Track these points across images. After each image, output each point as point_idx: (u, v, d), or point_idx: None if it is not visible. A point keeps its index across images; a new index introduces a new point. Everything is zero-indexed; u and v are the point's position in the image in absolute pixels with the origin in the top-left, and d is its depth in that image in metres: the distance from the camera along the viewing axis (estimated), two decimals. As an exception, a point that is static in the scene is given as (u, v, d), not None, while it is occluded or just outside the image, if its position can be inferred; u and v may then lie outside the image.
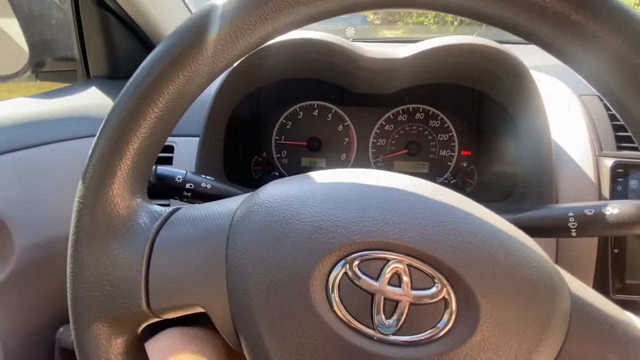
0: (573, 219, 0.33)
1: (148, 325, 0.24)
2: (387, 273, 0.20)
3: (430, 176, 0.59)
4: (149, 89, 0.22)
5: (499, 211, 0.40)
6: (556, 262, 0.45)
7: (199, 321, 0.47)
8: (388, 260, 0.20)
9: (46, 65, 0.70)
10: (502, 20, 0.21)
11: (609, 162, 0.43)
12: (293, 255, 0.21)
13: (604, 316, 0.21)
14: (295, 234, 0.21)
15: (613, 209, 0.32)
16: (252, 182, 0.60)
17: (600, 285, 0.44)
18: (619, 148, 0.45)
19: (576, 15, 0.19)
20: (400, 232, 0.20)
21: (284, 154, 0.61)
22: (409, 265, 0.20)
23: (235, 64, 0.46)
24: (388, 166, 0.60)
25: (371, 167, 0.60)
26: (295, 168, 0.61)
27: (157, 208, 0.25)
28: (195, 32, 0.22)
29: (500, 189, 0.53)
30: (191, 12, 0.68)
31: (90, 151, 0.23)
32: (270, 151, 0.61)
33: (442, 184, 0.59)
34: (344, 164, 0.61)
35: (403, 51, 0.46)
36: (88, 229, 0.22)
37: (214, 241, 0.23)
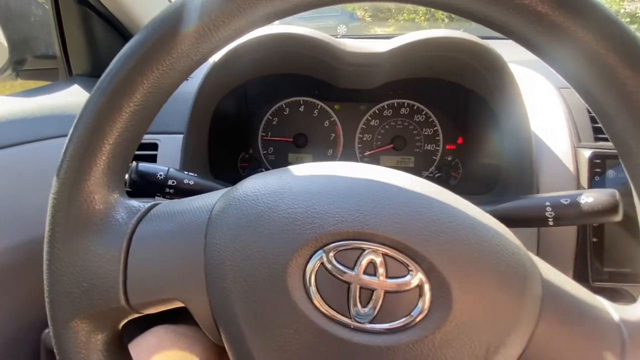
0: (550, 209, 0.34)
1: (135, 324, 0.24)
2: (363, 262, 0.20)
3: (416, 170, 0.60)
4: (123, 83, 0.22)
5: (481, 203, 0.41)
6: (537, 251, 0.46)
7: (187, 319, 0.47)
8: (363, 250, 0.21)
9: (27, 64, 0.68)
10: (475, 14, 0.21)
11: (586, 153, 0.45)
12: (269, 247, 0.21)
13: (575, 301, 0.22)
14: (272, 227, 0.21)
15: (588, 198, 0.33)
16: (238, 179, 0.59)
17: (580, 274, 0.45)
18: (597, 139, 0.46)
19: (551, 12, 0.19)
20: (375, 222, 0.21)
21: (270, 150, 0.61)
22: (384, 255, 0.20)
23: (216, 59, 0.46)
24: (374, 161, 0.60)
25: (357, 162, 0.61)
26: (282, 164, 0.61)
27: (135, 203, 0.25)
28: (168, 25, 0.21)
29: (484, 181, 0.53)
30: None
31: (65, 146, 0.23)
32: (256, 148, 0.61)
33: (428, 177, 0.59)
34: (331, 160, 0.61)
35: (384, 45, 0.47)
36: (63, 225, 0.22)
37: (192, 235, 0.23)
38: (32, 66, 0.66)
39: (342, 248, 0.21)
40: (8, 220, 0.46)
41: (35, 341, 0.53)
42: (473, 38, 0.44)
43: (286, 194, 0.22)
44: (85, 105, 0.23)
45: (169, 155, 0.50)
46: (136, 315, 0.23)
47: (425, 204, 0.22)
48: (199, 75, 0.48)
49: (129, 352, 0.26)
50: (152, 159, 0.50)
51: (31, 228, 0.47)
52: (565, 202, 0.33)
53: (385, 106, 0.59)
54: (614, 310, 0.22)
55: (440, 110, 0.58)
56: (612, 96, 0.20)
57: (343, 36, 0.77)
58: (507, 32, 0.21)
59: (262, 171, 0.60)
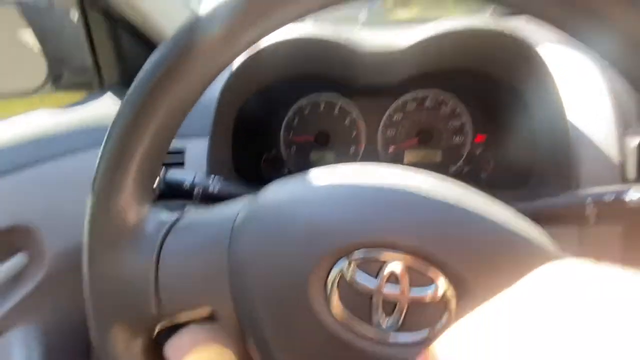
0: (592, 206, 0.31)
1: (171, 327, 0.25)
2: (385, 272, 0.20)
3: (443, 165, 0.57)
4: (147, 100, 0.23)
5: (515, 199, 0.39)
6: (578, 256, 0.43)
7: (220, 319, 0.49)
8: (386, 260, 0.20)
9: (64, 78, 0.73)
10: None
11: (633, 142, 0.40)
12: (291, 259, 0.21)
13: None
14: (293, 237, 0.21)
15: (635, 194, 0.30)
16: (262, 179, 0.60)
17: None
18: None
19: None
20: (397, 230, 0.20)
21: (292, 150, 0.61)
22: (407, 264, 0.20)
23: (237, 64, 0.47)
24: (399, 157, 0.59)
25: (381, 159, 0.59)
26: (305, 163, 0.61)
27: (163, 216, 0.26)
28: (186, 40, 0.22)
29: (518, 175, 0.50)
30: None
31: (97, 163, 0.24)
32: (279, 148, 0.61)
33: (456, 172, 0.57)
34: (353, 157, 0.60)
35: (404, 39, 0.45)
36: (99, 239, 0.24)
37: (216, 247, 0.23)
38: (69, 80, 0.71)
39: (364, 257, 0.20)
40: (55, 229, 0.49)
41: (88, 337, 0.58)
42: (498, 26, 0.41)
43: (305, 203, 0.22)
44: (114, 123, 0.24)
45: (196, 159, 0.51)
46: (169, 322, 0.24)
47: (450, 210, 0.21)
48: (220, 80, 0.49)
49: (164, 356, 0.27)
50: (180, 164, 0.52)
51: (77, 235, 0.50)
52: (609, 199, 0.31)
53: (409, 99, 0.57)
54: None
55: (467, 101, 0.55)
56: None
57: (363, 25, 0.75)
58: (546, 19, 0.20)
59: (285, 171, 0.61)
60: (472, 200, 0.21)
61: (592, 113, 0.45)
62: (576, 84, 0.46)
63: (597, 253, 0.43)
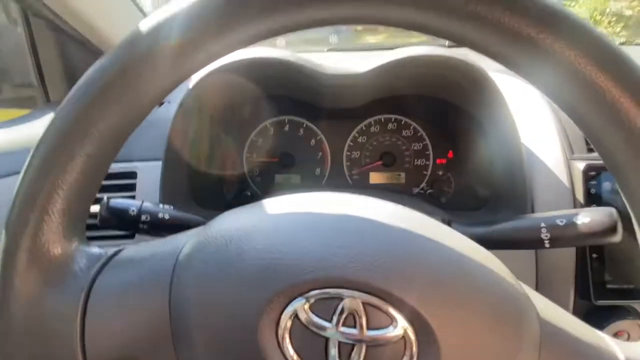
0: (545, 230, 0.32)
1: None
2: (341, 313, 0.18)
3: (407, 186, 0.58)
4: (76, 122, 0.20)
5: (474, 224, 0.39)
6: (536, 270, 0.44)
7: None
8: (341, 299, 0.19)
9: (3, 93, 0.67)
10: (453, 36, 0.20)
11: (580, 166, 0.43)
12: (239, 299, 0.19)
13: (576, 340, 0.20)
14: (241, 276, 0.19)
15: (585, 218, 0.31)
16: (225, 203, 0.57)
17: (582, 292, 0.43)
18: (590, 150, 0.45)
19: (530, 31, 0.18)
20: (351, 267, 0.19)
21: (256, 171, 0.59)
22: (364, 303, 0.19)
23: (192, 84, 0.45)
24: (364, 179, 0.59)
25: (346, 181, 0.59)
26: (269, 185, 0.59)
27: (96, 251, 0.23)
28: (126, 55, 0.20)
29: (477, 196, 0.52)
30: None
31: (15, 192, 0.21)
32: (242, 169, 0.59)
33: (419, 194, 0.58)
34: (319, 179, 0.59)
35: (364, 65, 0.45)
36: (16, 282, 0.20)
37: (156, 286, 0.21)
38: (10, 95, 0.65)
39: (317, 297, 0.19)
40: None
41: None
42: (453, 53, 0.43)
43: (255, 237, 0.20)
44: (37, 146, 0.21)
45: (148, 184, 0.48)
46: None
47: (407, 243, 0.20)
48: (175, 99, 0.46)
49: None
50: (131, 188, 0.48)
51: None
52: (561, 223, 0.32)
53: (372, 122, 0.58)
54: (618, 349, 0.20)
55: (428, 125, 0.57)
56: (599, 115, 0.19)
57: (331, 49, 0.76)
58: (487, 54, 0.20)
59: (247, 194, 0.58)
60: (432, 233, 0.21)
61: (541, 138, 0.47)
62: (524, 110, 0.49)
63: (554, 270, 0.44)
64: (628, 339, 0.43)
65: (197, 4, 0.19)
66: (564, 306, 0.43)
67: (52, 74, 0.60)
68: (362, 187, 0.58)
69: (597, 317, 0.43)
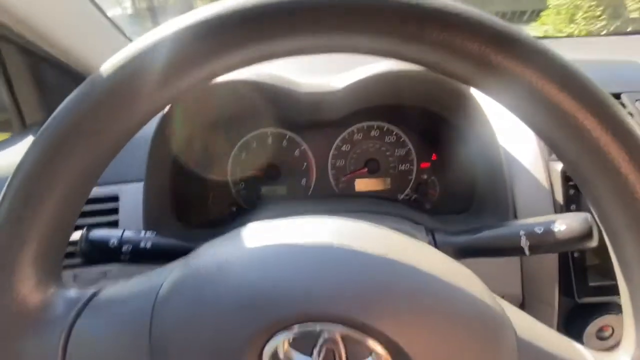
0: (525, 238, 0.33)
1: None
2: (321, 347, 0.18)
3: (392, 192, 0.58)
4: (43, 169, 0.20)
5: (457, 226, 0.40)
6: (521, 270, 0.45)
7: None
8: (321, 332, 0.19)
9: (-23, 118, 0.65)
10: (421, 61, 0.20)
11: (558, 167, 0.44)
12: (219, 339, 0.19)
13: (553, 356, 0.20)
14: (219, 315, 0.19)
15: (561, 225, 0.32)
16: (211, 220, 0.57)
17: (566, 291, 0.44)
18: None
19: (489, 54, 0.18)
20: (330, 300, 0.19)
21: (241, 185, 0.59)
22: (342, 336, 0.19)
23: (167, 108, 0.44)
24: (349, 187, 0.59)
25: (333, 190, 0.59)
26: (256, 198, 0.59)
27: (74, 294, 0.23)
28: (106, 84, 0.19)
29: (462, 199, 0.52)
30: (129, 40, 0.64)
31: None
32: (226, 185, 0.59)
33: (404, 200, 0.58)
34: (305, 189, 0.59)
35: (339, 81, 0.45)
36: None
37: (135, 328, 0.20)
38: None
39: (297, 333, 0.19)
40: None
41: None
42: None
43: (233, 272, 0.20)
44: (4, 194, 0.20)
45: (131, 206, 0.47)
46: None
47: (384, 273, 0.20)
48: (154, 119, 0.45)
49: None
50: (113, 212, 0.47)
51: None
52: (539, 231, 0.32)
53: (355, 130, 0.58)
54: None
55: (410, 130, 0.57)
56: (560, 127, 0.19)
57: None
58: (452, 76, 0.20)
59: (233, 210, 0.58)
60: (410, 258, 0.21)
61: (519, 141, 0.48)
62: (501, 113, 0.50)
63: (538, 270, 0.45)
64: (612, 333, 0.44)
65: (179, 32, 0.19)
66: (550, 305, 0.44)
67: (27, 97, 0.59)
68: (348, 195, 0.58)
69: (581, 314, 0.44)
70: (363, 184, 0.59)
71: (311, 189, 0.59)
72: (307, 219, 0.23)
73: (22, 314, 0.20)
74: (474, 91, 0.44)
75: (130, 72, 0.19)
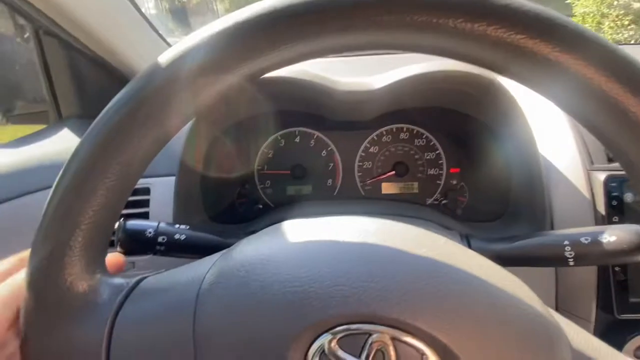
0: (569, 248, 0.32)
1: None
2: (370, 349, 0.18)
3: (420, 196, 0.57)
4: (95, 162, 0.20)
5: (491, 234, 0.39)
6: (556, 283, 0.43)
7: None
8: (370, 334, 0.18)
9: (17, 109, 0.68)
10: (461, 55, 0.19)
11: (601, 177, 0.42)
12: (265, 333, 0.19)
13: None
14: (266, 309, 0.19)
15: (610, 237, 0.30)
16: (236, 216, 0.57)
17: (604, 306, 0.42)
18: (610, 160, 0.44)
19: (535, 46, 0.17)
20: (381, 302, 0.18)
21: (267, 184, 0.59)
22: (393, 339, 0.18)
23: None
24: (376, 189, 0.58)
25: (359, 191, 0.58)
26: (281, 197, 0.59)
27: (118, 281, 0.23)
28: (143, 92, 0.20)
29: (493, 206, 0.51)
30: (168, 45, 0.66)
31: (37, 228, 0.21)
32: (253, 182, 0.59)
33: (433, 205, 0.57)
34: (331, 190, 0.59)
35: (377, 81, 0.45)
36: (41, 319, 0.20)
37: (179, 317, 0.20)
38: (22, 110, 0.66)
39: (346, 333, 0.18)
40: None
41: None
42: (465, 67, 0.42)
43: (278, 267, 0.20)
44: (57, 184, 0.21)
45: (161, 199, 0.48)
46: None
47: (434, 273, 0.19)
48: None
49: None
50: (145, 204, 0.48)
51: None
52: (586, 241, 0.31)
53: (384, 132, 0.57)
54: None
55: (441, 134, 0.56)
56: (617, 126, 0.18)
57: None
58: (499, 71, 0.20)
59: (259, 207, 0.58)
60: (458, 261, 0.20)
61: (558, 148, 0.46)
62: (541, 119, 0.48)
63: (576, 284, 0.43)
64: (652, 352, 0.42)
65: (217, 35, 0.19)
66: (586, 319, 0.43)
67: (64, 91, 0.61)
68: (374, 197, 0.58)
69: (619, 331, 0.42)
70: (390, 187, 0.58)
71: (337, 189, 0.59)
72: (352, 218, 0.23)
73: (70, 298, 0.21)
74: (514, 94, 0.43)
75: (181, 68, 0.20)
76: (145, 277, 0.23)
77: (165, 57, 0.20)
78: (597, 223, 0.42)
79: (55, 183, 0.21)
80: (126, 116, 0.20)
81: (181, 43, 0.20)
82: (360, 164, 0.58)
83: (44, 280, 0.20)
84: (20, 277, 0.22)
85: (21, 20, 0.58)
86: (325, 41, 0.19)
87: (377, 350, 0.18)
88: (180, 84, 0.20)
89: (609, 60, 0.17)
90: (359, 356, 0.18)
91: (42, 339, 0.20)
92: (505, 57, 0.18)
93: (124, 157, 0.20)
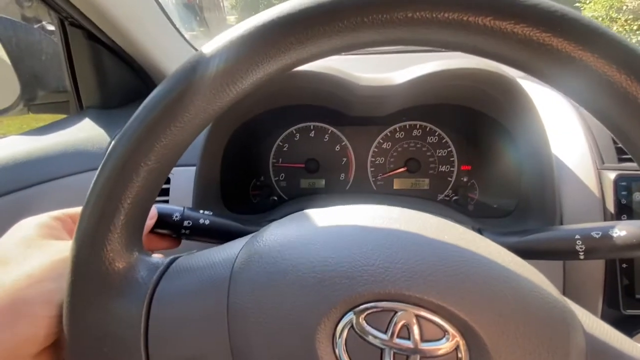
0: (580, 242, 0.33)
1: None
2: (396, 325, 0.19)
3: (431, 192, 0.59)
4: (139, 145, 0.22)
5: (502, 229, 0.40)
6: (564, 278, 0.44)
7: None
8: (396, 312, 0.20)
9: (38, 98, 0.69)
10: (480, 50, 0.20)
11: (611, 175, 0.43)
12: (296, 310, 0.20)
13: (621, 357, 0.20)
14: (297, 287, 0.20)
15: (620, 231, 0.31)
16: (250, 207, 0.59)
17: (611, 301, 0.43)
18: (621, 160, 0.45)
19: (554, 42, 0.18)
20: (407, 282, 0.20)
21: (282, 176, 0.61)
22: (417, 316, 0.19)
23: None
24: (388, 184, 0.59)
25: (371, 186, 0.60)
26: (294, 190, 0.60)
27: (154, 260, 0.24)
28: (184, 83, 0.21)
29: (503, 203, 0.52)
30: (195, 49, 0.68)
31: (82, 210, 0.22)
32: (268, 175, 0.60)
33: (443, 200, 0.58)
34: (343, 184, 0.60)
35: (398, 77, 0.46)
36: (83, 291, 0.22)
37: (214, 293, 0.22)
38: (44, 100, 0.67)
39: (373, 310, 0.20)
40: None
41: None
42: (486, 66, 0.43)
43: (309, 248, 0.21)
44: (101, 169, 0.22)
45: (181, 188, 0.49)
46: None
47: (457, 257, 0.21)
48: None
49: None
50: (165, 192, 0.50)
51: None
52: (597, 236, 0.32)
53: (397, 128, 0.59)
54: None
55: (453, 131, 0.57)
56: (634, 120, 0.18)
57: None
58: (522, 68, 0.21)
59: (274, 199, 0.59)
60: (479, 247, 0.21)
61: (570, 147, 0.47)
62: (553, 118, 0.49)
63: (582, 279, 0.44)
64: (657, 348, 0.43)
65: (244, 35, 0.20)
66: (592, 314, 0.43)
67: (86, 82, 0.62)
68: (386, 192, 0.59)
69: (625, 326, 0.43)
70: (401, 183, 0.59)
71: (349, 184, 0.60)
72: (376, 206, 0.24)
73: (111, 275, 0.22)
74: (529, 92, 0.43)
75: (203, 72, 0.21)
76: (177, 258, 0.25)
77: (211, 47, 0.21)
78: (606, 220, 0.43)
79: (101, 164, 0.22)
80: (172, 101, 0.21)
81: (213, 42, 0.21)
82: (373, 159, 0.59)
83: (88, 255, 0.22)
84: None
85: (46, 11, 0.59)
86: (361, 36, 0.20)
87: (402, 327, 0.19)
88: (223, 72, 0.21)
89: (632, 60, 0.18)
90: (385, 332, 0.20)
91: (84, 310, 0.22)
92: (530, 54, 0.19)
93: (164, 141, 0.22)
